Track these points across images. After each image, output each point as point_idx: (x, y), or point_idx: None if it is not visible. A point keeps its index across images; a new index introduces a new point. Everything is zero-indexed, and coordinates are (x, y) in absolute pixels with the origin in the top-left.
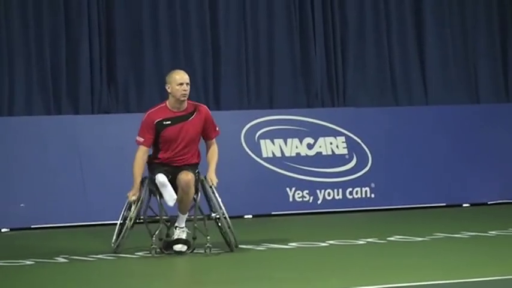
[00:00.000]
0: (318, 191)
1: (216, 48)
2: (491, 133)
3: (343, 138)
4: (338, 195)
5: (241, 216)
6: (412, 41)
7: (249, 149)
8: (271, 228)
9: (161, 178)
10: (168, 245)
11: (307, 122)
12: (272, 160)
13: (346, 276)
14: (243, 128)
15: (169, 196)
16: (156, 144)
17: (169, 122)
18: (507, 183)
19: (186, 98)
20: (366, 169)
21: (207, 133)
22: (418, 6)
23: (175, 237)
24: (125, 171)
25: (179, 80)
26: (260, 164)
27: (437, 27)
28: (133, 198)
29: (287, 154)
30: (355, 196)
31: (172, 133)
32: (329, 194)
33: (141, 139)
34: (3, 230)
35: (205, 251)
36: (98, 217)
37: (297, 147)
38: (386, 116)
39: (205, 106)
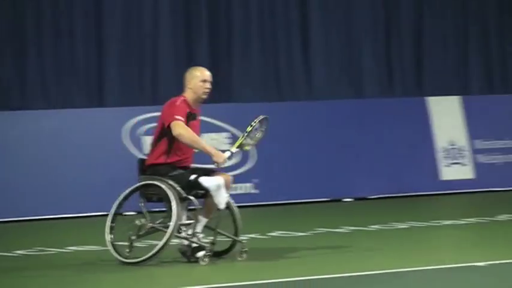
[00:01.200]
0: None
1: (99, 45)
2: (374, 127)
3: (226, 134)
4: None
5: (121, 214)
6: (297, 36)
7: (131, 146)
8: None
9: (218, 180)
10: (192, 251)
11: None
12: None
13: (226, 272)
14: (125, 125)
15: (223, 199)
16: (170, 143)
17: (192, 116)
18: (389, 177)
19: (206, 96)
20: (250, 165)
21: None
22: (303, 1)
23: (197, 243)
24: (5, 169)
25: (203, 77)
26: None
27: (321, 22)
28: (227, 155)
29: None
30: (239, 192)
31: (193, 129)
32: None
33: (182, 118)
34: None
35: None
36: None
37: None
38: (269, 111)
39: None
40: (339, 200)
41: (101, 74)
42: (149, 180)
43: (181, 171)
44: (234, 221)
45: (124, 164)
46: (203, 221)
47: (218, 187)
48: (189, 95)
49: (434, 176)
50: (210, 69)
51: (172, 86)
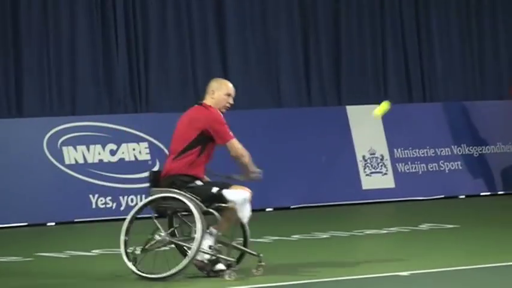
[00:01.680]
0: (121, 198)
1: (16, 55)
2: (294, 137)
3: (145, 144)
4: (141, 201)
5: (44, 224)
6: (215, 46)
7: (52, 156)
8: (73, 235)
9: (244, 194)
10: (212, 265)
11: (110, 128)
12: (75, 167)
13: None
14: (45, 135)
15: (248, 212)
16: (199, 154)
17: None
18: (309, 186)
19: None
20: None
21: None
22: (220, 10)
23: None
24: None
25: (229, 91)
26: (63, 171)
27: (239, 31)
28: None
29: (90, 161)
30: None
31: None
32: (132, 200)
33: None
34: None
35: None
36: None
37: (99, 154)
38: None
39: None
40: (260, 210)
41: (19, 83)
42: (166, 192)
43: (199, 183)
44: (244, 233)
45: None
46: (216, 234)
47: (244, 201)
48: (211, 103)
49: (355, 185)
50: (127, 80)
51: (90, 95)
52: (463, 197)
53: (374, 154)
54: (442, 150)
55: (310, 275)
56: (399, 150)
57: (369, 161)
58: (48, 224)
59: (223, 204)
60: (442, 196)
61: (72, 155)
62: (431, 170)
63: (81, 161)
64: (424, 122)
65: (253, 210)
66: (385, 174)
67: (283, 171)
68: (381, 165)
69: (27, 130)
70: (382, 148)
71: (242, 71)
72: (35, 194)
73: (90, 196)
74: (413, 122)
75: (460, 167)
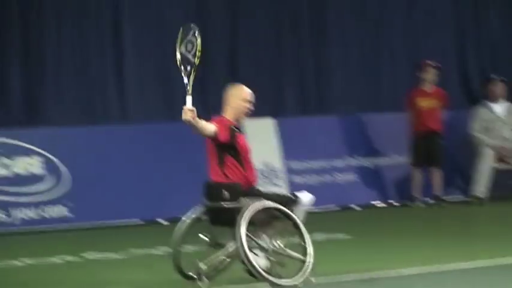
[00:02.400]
0: (14, 211)
1: None
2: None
3: (40, 159)
4: (36, 214)
5: None
6: (111, 60)
7: None
8: None
9: (311, 196)
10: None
11: (3, 142)
12: None
13: None
14: None
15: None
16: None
17: (238, 130)
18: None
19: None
20: (64, 188)
21: None
22: (116, 18)
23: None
24: None
25: (249, 97)
26: None
27: (134, 43)
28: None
29: None
30: (53, 215)
31: (245, 142)
32: (26, 214)
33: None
34: None
35: None
36: None
37: None
38: (83, 134)
39: None
40: (154, 222)
41: None
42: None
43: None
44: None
45: None
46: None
47: (311, 203)
48: (230, 112)
49: None
50: (22, 93)
51: None
52: (358, 208)
53: (268, 166)
54: (336, 162)
55: None
56: (294, 162)
57: (264, 173)
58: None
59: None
60: (337, 207)
61: None
62: (325, 181)
63: None
64: (319, 134)
65: (146, 222)
66: (280, 186)
67: (178, 183)
68: (276, 177)
69: None
70: (276, 160)
71: (139, 85)
72: None
73: None
74: (309, 135)
75: (356, 179)
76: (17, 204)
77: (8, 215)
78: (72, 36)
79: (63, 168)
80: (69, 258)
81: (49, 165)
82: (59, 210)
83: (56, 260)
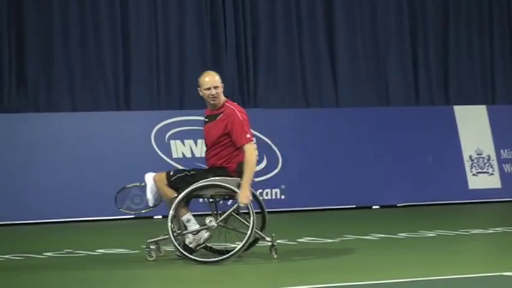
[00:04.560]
0: None
1: (126, 49)
2: (400, 135)
3: (253, 140)
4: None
5: (151, 217)
6: (323, 43)
7: (159, 150)
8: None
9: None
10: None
11: None
12: (182, 161)
13: (253, 277)
14: (153, 129)
15: None
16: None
17: (206, 120)
18: (416, 185)
19: (215, 101)
20: (276, 170)
21: (233, 138)
22: (329, 8)
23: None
24: (33, 171)
25: (206, 85)
26: (170, 164)
27: (347, 29)
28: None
29: (197, 155)
30: (266, 197)
31: (205, 130)
32: None
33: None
34: None
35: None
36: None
37: None
38: (296, 117)
39: (235, 109)
40: (366, 207)
41: (127, 77)
42: None
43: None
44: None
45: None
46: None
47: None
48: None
49: (462, 184)
50: (235, 75)
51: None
52: None
53: (481, 154)
54: None
55: (416, 273)
56: (505, 151)
57: (475, 161)
58: (156, 217)
59: None
60: None
61: (179, 148)
62: None
63: (188, 155)
64: None
65: (357, 208)
66: (492, 174)
67: (389, 169)
68: (488, 166)
69: (135, 123)
70: (488, 148)
71: (351, 70)
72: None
73: None
74: None
75: None
76: None
77: None
78: (285, 25)
79: (276, 150)
80: (283, 241)
81: (263, 147)
82: (273, 193)
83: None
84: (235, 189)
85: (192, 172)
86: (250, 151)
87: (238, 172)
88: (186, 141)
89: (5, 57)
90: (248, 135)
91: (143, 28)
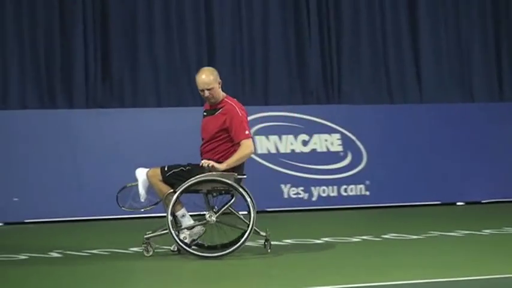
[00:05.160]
0: (312, 188)
1: (211, 46)
2: (485, 132)
3: (338, 135)
4: (333, 192)
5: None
6: (407, 39)
7: None
8: (266, 225)
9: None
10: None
11: (302, 118)
12: (267, 156)
13: (340, 273)
14: None
15: None
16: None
17: (205, 114)
18: (501, 182)
19: (212, 100)
20: (361, 166)
21: (231, 134)
22: (412, 4)
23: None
24: (119, 165)
25: (198, 87)
26: (255, 160)
27: (431, 25)
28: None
29: (282, 151)
30: (350, 193)
31: (202, 124)
32: (324, 191)
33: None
34: None
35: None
36: (92, 212)
37: (291, 144)
38: (381, 113)
39: (234, 106)
40: (451, 204)
41: None
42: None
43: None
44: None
45: None
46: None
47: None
48: None
49: None
50: (320, 71)
51: (282, 85)
52: None
53: None
54: None
55: (498, 270)
56: None
57: None
58: (241, 212)
59: None
60: None
61: (264, 144)
62: None
63: (273, 150)
64: None
65: (442, 204)
66: None
67: (474, 166)
68: None
69: None
70: None
71: (434, 66)
72: None
73: (282, 186)
74: None
75: None
76: (316, 181)
77: (307, 192)
78: (368, 22)
79: (360, 146)
80: (367, 237)
81: (347, 143)
82: (357, 189)
83: (354, 239)
84: (233, 184)
85: (188, 167)
86: (247, 145)
87: (235, 167)
88: (270, 136)
89: (90, 53)
90: (247, 132)
91: (227, 24)
